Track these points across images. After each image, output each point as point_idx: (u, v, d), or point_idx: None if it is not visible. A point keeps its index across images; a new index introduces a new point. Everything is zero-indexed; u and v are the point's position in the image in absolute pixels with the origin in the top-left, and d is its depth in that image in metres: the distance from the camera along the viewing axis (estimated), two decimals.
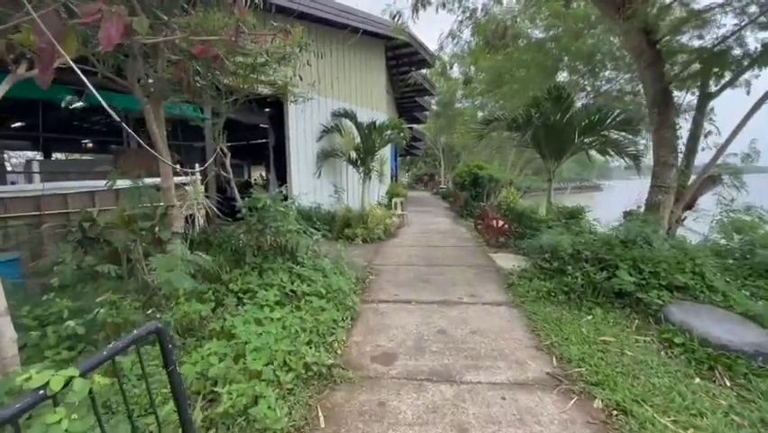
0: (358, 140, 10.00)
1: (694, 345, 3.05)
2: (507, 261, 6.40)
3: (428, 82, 16.31)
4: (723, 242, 4.92)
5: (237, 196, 5.29)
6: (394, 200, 10.86)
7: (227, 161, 6.16)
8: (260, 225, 4.34)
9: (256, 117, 10.76)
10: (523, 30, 13.59)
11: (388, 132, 10.37)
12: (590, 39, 11.21)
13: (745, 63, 4.80)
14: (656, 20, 4.46)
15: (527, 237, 6.65)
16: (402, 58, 13.77)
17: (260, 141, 15.39)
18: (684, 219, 5.28)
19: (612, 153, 7.66)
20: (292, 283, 4.05)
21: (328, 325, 3.45)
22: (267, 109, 10.79)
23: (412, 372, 2.92)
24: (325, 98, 10.07)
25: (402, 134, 10.70)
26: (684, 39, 5.31)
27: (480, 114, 24.08)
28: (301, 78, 5.37)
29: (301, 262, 4.45)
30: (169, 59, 3.29)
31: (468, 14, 7.10)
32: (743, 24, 4.51)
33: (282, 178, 9.66)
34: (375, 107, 12.24)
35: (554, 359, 3.08)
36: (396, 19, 7.60)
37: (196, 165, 5.53)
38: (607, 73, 11.73)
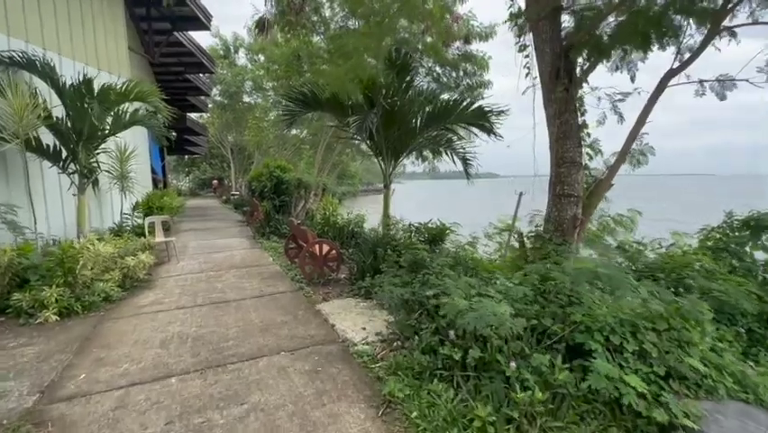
0: (63, 114, 5.41)
1: None
2: (351, 318, 3.90)
3: (204, 55, 12.19)
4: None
5: None
6: (149, 220, 6.64)
7: None
8: None
9: None
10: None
11: (130, 106, 6.17)
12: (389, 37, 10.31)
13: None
14: None
15: (377, 273, 4.38)
16: (158, 4, 9.34)
17: None
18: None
19: (446, 153, 6.45)
20: None
21: None
22: None
23: None
24: None
25: (159, 114, 6.65)
26: None
27: (273, 112, 21.16)
28: None
29: None
30: None
31: None
32: None
33: None
34: (108, 68, 7.51)
35: None
36: None
37: None
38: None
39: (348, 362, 2.99)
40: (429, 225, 4.73)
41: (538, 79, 3.65)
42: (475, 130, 5.84)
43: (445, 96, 5.70)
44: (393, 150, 5.30)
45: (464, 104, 4.82)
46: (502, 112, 4.61)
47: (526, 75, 3.88)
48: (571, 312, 2.38)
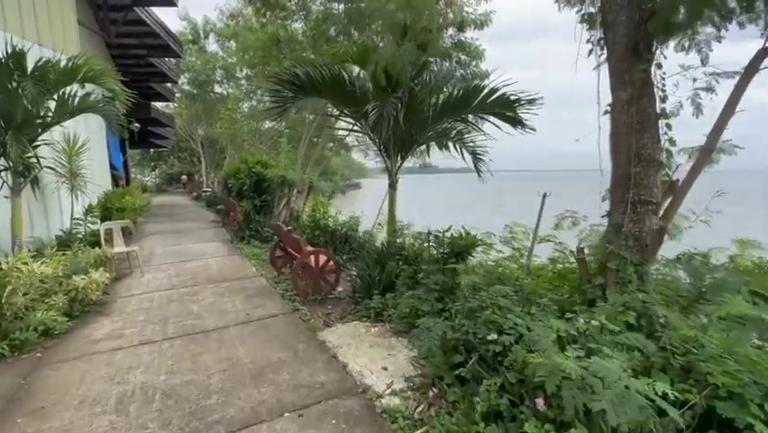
0: None
1: None
2: (365, 352, 3.15)
3: (170, 36, 10.91)
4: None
5: None
6: (104, 226, 5.57)
7: None
8: None
9: None
10: None
11: (80, 89, 5.09)
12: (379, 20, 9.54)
13: None
14: None
15: (387, 289, 3.65)
16: None
17: None
18: None
19: (455, 147, 5.77)
20: None
21: None
22: None
23: None
24: None
25: (114, 99, 5.57)
26: None
27: (247, 104, 19.78)
28: None
29: None
30: None
31: None
32: None
33: None
34: (52, 43, 6.30)
35: None
36: None
37: None
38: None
39: (378, 427, 2.24)
40: (448, 231, 3.97)
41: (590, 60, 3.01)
42: (485, 121, 5.24)
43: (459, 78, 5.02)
44: (401, 144, 4.55)
45: (486, 91, 4.13)
46: (534, 100, 3.96)
47: (589, 52, 3.22)
48: (697, 365, 1.74)
